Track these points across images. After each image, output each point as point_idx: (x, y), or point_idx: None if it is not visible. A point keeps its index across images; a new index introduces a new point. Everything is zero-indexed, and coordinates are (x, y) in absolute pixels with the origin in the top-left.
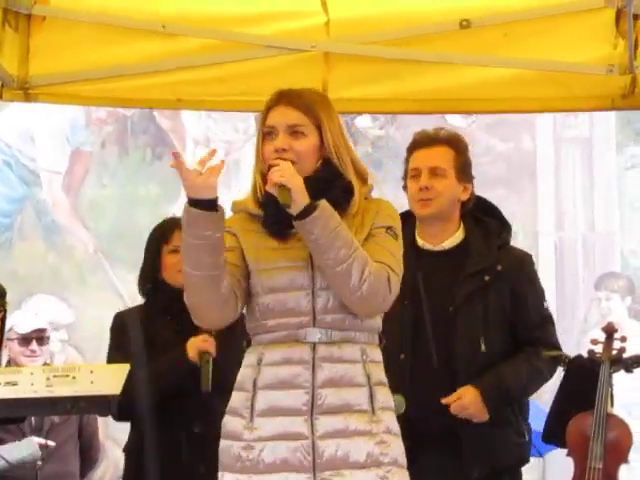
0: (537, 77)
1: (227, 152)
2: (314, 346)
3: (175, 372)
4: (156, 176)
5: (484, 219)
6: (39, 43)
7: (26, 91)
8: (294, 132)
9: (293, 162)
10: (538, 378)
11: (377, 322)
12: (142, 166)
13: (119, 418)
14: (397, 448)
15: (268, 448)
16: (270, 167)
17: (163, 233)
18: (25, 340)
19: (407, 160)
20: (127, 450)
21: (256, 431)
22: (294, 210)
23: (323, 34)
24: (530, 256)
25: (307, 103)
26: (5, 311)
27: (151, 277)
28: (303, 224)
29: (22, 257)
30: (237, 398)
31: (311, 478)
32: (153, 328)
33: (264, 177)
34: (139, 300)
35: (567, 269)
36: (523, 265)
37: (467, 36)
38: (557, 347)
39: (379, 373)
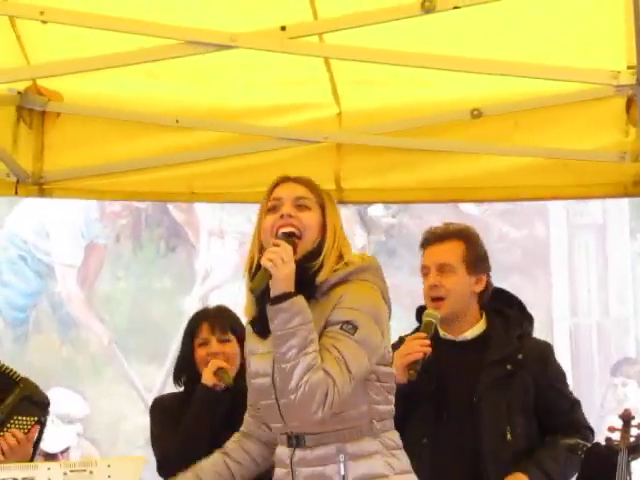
0: (549, 165)
1: (241, 243)
2: (293, 450)
3: (202, 406)
4: (170, 268)
5: (505, 310)
6: (53, 139)
7: (41, 186)
8: (299, 205)
9: (298, 235)
10: (574, 459)
11: (367, 411)
12: (156, 259)
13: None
14: None
15: None
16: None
17: (190, 326)
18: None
19: (421, 258)
20: None
21: None
22: (272, 293)
23: (335, 125)
24: (550, 345)
25: (312, 183)
26: (44, 423)
27: (186, 370)
28: (270, 309)
29: (37, 350)
30: None
31: None
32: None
33: (262, 251)
34: (155, 392)
35: (582, 355)
36: (544, 354)
37: (478, 125)
38: (590, 429)
39: (365, 467)
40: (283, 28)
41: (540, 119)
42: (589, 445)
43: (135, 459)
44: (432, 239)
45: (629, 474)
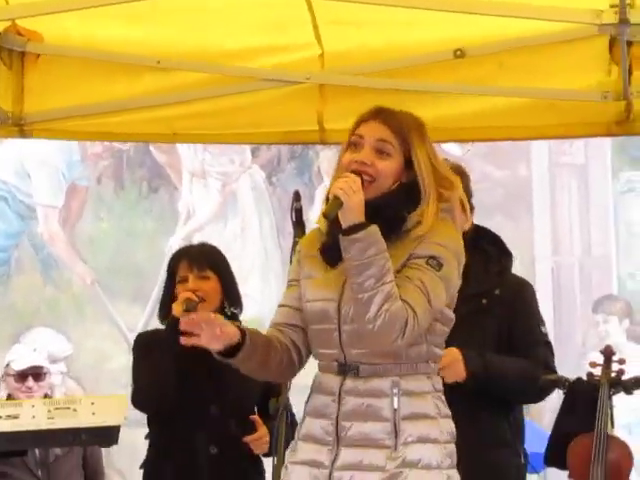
0: (532, 105)
1: (224, 184)
2: (344, 378)
3: (169, 337)
4: (152, 210)
5: (484, 246)
6: (33, 80)
7: (21, 127)
8: (380, 150)
9: (370, 180)
10: (525, 373)
11: (426, 351)
12: (138, 200)
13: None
14: None
15: (295, 472)
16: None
17: (171, 264)
18: (21, 377)
19: None
20: (144, 466)
21: (294, 454)
22: (343, 223)
23: (318, 66)
24: (530, 284)
25: (401, 126)
26: None
27: (168, 307)
28: (344, 240)
29: (20, 291)
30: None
31: None
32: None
33: None
34: (137, 330)
35: (564, 293)
36: (521, 290)
37: (461, 66)
38: (551, 369)
39: (416, 405)
40: None
41: (523, 60)
42: (571, 380)
43: (119, 398)
44: None
45: (610, 408)
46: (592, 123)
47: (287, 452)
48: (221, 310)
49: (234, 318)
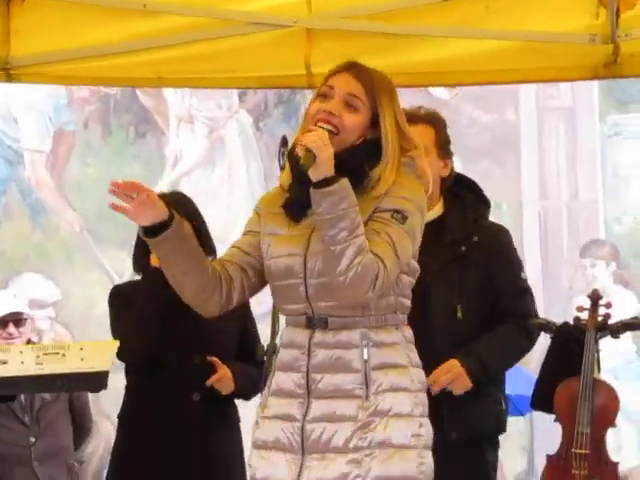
0: (519, 48)
1: (211, 129)
2: (313, 331)
3: (150, 286)
4: (140, 155)
5: (462, 194)
6: (19, 24)
7: (7, 72)
8: (348, 104)
9: (335, 132)
10: (517, 351)
11: (394, 302)
12: (125, 145)
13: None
14: (392, 430)
15: (266, 426)
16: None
17: None
18: (2, 323)
19: None
20: (120, 417)
21: (265, 409)
22: (314, 177)
23: (305, 10)
24: (506, 230)
25: (372, 83)
26: None
27: (141, 256)
28: (316, 193)
29: (8, 236)
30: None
31: (300, 459)
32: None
33: None
34: (126, 277)
35: (551, 238)
36: (499, 237)
37: (449, 9)
38: (534, 317)
39: (386, 356)
40: None
41: (511, 2)
42: (558, 325)
43: (108, 343)
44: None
45: (597, 352)
46: (580, 66)
47: (257, 408)
48: None
49: None
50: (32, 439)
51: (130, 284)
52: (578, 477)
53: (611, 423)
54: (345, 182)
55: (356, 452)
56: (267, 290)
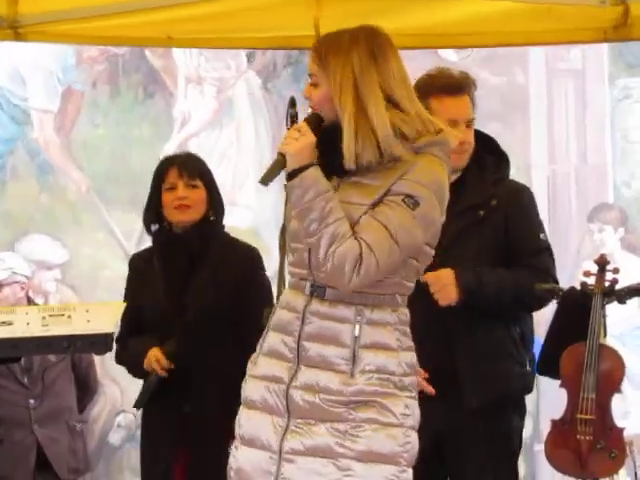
0: (529, 10)
1: (219, 90)
2: (310, 298)
3: (134, 369)
4: (148, 115)
5: (481, 154)
6: None
7: (16, 30)
8: (313, 82)
9: (319, 114)
10: (522, 291)
11: (396, 283)
12: (134, 105)
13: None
14: (377, 410)
15: (254, 385)
16: None
17: (159, 171)
18: None
19: (427, 102)
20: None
21: (255, 368)
22: (286, 171)
23: None
24: (528, 189)
25: (321, 51)
26: None
27: (153, 216)
28: (285, 188)
29: (15, 197)
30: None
31: (285, 422)
32: (149, 274)
33: None
34: (134, 239)
35: (559, 202)
36: (519, 197)
37: None
38: (552, 276)
39: (377, 335)
40: None
41: None
42: (564, 290)
43: (114, 304)
44: (452, 90)
45: (603, 317)
46: (589, 28)
47: (248, 364)
48: (205, 218)
49: (216, 224)
50: (31, 401)
51: (144, 252)
52: (583, 442)
53: (616, 389)
54: (309, 172)
55: (341, 422)
56: (273, 254)
